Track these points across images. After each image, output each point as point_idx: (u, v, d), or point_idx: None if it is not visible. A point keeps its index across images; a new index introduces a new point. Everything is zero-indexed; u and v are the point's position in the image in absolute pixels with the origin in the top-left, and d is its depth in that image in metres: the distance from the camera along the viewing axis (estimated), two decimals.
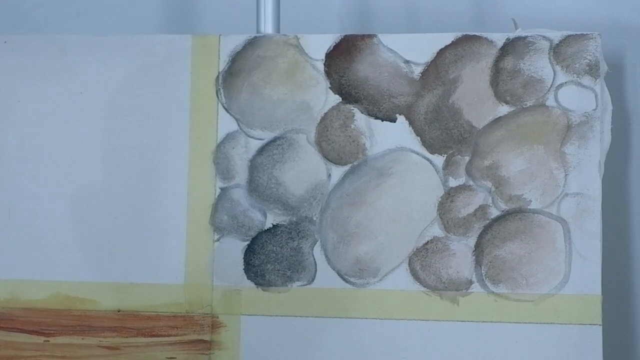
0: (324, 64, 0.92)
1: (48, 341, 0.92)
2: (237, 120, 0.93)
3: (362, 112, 0.92)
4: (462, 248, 0.90)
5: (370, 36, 0.92)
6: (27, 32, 1.13)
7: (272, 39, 0.93)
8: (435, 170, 0.91)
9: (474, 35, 0.91)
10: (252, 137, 0.92)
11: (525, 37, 0.91)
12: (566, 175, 0.90)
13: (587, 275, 0.88)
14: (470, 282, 0.90)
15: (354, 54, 0.92)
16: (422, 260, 0.90)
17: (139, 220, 0.92)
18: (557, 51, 0.90)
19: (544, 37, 0.91)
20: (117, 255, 0.92)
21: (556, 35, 0.91)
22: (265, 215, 0.92)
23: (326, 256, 0.91)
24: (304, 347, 0.90)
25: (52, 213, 0.93)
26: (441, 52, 0.91)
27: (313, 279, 0.91)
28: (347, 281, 0.91)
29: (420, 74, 0.92)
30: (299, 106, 0.92)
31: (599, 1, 1.03)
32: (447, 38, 0.92)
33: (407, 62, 0.92)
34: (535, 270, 0.89)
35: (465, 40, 0.91)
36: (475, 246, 0.90)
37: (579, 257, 0.89)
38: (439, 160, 0.91)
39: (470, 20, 1.06)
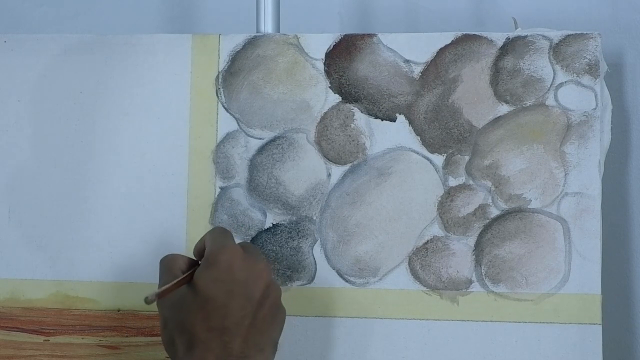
0: (324, 64, 0.92)
1: (48, 340, 0.92)
2: (237, 119, 0.93)
3: (362, 112, 0.92)
4: (462, 247, 0.90)
5: (370, 35, 0.92)
6: (27, 32, 1.13)
7: (272, 38, 0.93)
8: (435, 169, 0.91)
9: (474, 34, 0.91)
10: (252, 137, 0.92)
11: (525, 36, 0.91)
12: (566, 174, 0.90)
13: (586, 275, 0.88)
14: (470, 282, 0.90)
15: (353, 54, 0.92)
16: (422, 260, 0.90)
17: (139, 219, 0.92)
18: (557, 50, 0.90)
19: (543, 36, 0.91)
20: (117, 254, 0.92)
21: (556, 35, 0.91)
22: (265, 214, 0.92)
23: (326, 255, 0.91)
24: (303, 346, 0.90)
25: (51, 212, 0.93)
26: (441, 52, 0.91)
27: (313, 279, 0.91)
28: (347, 280, 0.91)
29: (420, 74, 0.92)
30: (299, 105, 0.92)
31: (599, 1, 1.03)
32: (447, 37, 0.91)
33: (407, 61, 0.92)
34: (535, 269, 0.89)
35: (465, 40, 0.91)
36: (475, 245, 0.90)
37: (578, 256, 0.89)
38: (439, 159, 0.91)
39: (470, 19, 1.06)
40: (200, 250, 0.81)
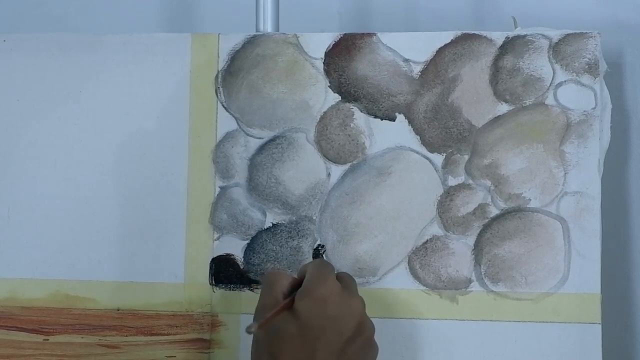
0: (324, 63, 0.92)
1: (48, 340, 0.92)
2: (236, 119, 0.93)
3: (361, 111, 0.92)
4: (461, 247, 0.90)
5: (370, 35, 0.92)
6: (26, 31, 1.12)
7: (272, 37, 0.93)
8: (435, 169, 0.91)
9: (474, 33, 0.91)
10: (251, 136, 0.92)
11: (525, 35, 0.91)
12: (565, 173, 0.90)
13: (586, 274, 0.88)
14: (470, 281, 0.90)
15: (353, 53, 0.92)
16: (422, 259, 0.90)
17: (139, 219, 0.92)
18: (557, 50, 0.90)
19: (543, 35, 0.91)
20: (116, 254, 0.92)
21: (556, 34, 0.91)
22: (264, 214, 0.92)
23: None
24: None
25: (51, 212, 0.93)
26: (440, 51, 0.91)
27: None
28: None
29: (419, 73, 0.92)
30: (299, 105, 0.92)
31: (599, 0, 1.03)
32: (447, 37, 0.91)
33: (406, 60, 0.92)
34: (534, 268, 0.89)
35: (464, 39, 0.91)
36: (474, 245, 0.90)
37: (578, 255, 0.89)
38: (439, 159, 0.91)
39: (469, 18, 1.06)
40: (302, 275, 0.81)
